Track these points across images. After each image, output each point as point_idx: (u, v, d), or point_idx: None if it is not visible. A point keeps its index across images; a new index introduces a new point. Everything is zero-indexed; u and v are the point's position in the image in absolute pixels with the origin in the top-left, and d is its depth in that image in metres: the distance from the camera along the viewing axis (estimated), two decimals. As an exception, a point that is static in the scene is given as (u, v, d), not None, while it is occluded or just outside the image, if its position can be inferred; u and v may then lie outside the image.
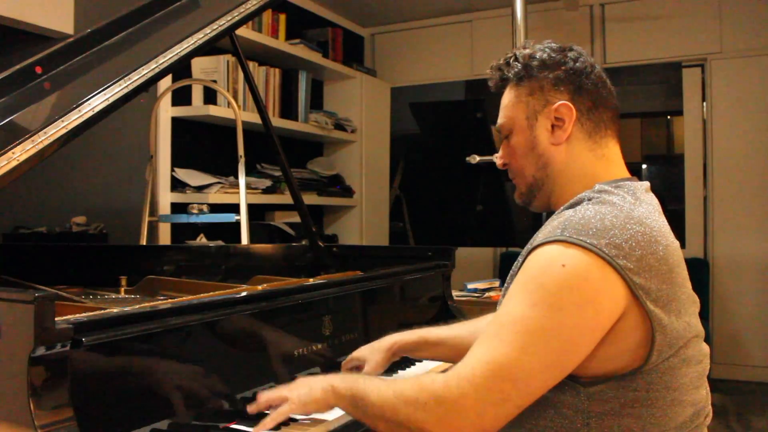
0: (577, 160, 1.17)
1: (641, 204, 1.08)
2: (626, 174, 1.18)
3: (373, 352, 1.41)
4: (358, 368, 1.42)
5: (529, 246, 1.07)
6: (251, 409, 1.16)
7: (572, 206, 1.10)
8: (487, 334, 1.01)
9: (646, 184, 1.17)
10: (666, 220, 1.10)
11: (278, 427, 1.13)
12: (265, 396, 1.16)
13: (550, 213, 1.21)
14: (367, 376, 1.15)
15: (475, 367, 0.97)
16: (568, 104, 1.15)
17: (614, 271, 0.97)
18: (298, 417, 1.17)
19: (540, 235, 1.06)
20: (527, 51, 1.21)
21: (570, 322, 0.96)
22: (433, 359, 1.52)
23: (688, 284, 1.08)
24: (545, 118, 1.17)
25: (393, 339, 1.43)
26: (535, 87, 1.18)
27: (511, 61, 1.22)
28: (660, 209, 1.13)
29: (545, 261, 1.00)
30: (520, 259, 1.09)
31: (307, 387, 1.14)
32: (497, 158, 1.27)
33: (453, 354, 1.39)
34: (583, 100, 1.16)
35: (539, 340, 0.96)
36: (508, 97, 1.23)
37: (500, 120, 1.24)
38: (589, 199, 1.09)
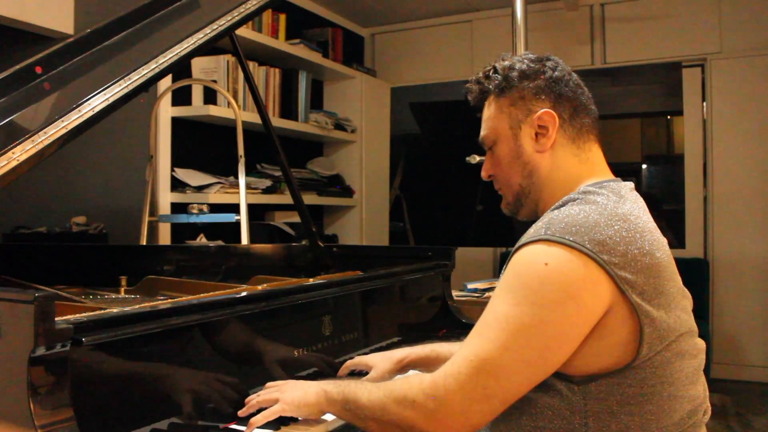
0: (562, 166, 1.18)
1: (625, 202, 1.10)
2: (610, 175, 1.20)
3: (383, 360, 1.41)
4: (360, 373, 1.42)
5: (515, 246, 1.08)
6: (241, 412, 1.15)
7: (558, 208, 1.12)
8: (473, 333, 1.04)
9: (630, 184, 1.19)
10: (652, 218, 1.12)
11: (278, 427, 1.14)
12: (255, 399, 1.16)
13: None
14: (359, 380, 1.16)
15: (461, 365, 1.00)
16: (550, 112, 1.17)
17: (599, 267, 0.98)
18: (298, 417, 1.17)
19: (525, 236, 1.08)
20: (506, 63, 1.23)
21: (552, 319, 0.98)
22: None
23: (678, 278, 1.10)
24: (529, 127, 1.19)
25: (406, 351, 1.43)
26: (517, 97, 1.20)
27: (491, 73, 1.24)
28: (645, 207, 1.14)
29: (528, 260, 1.03)
30: (508, 259, 1.10)
31: (302, 390, 1.15)
32: (482, 170, 1.28)
33: None
34: (564, 107, 1.18)
35: (521, 337, 0.98)
36: (489, 109, 1.24)
37: (483, 132, 1.26)
38: (574, 200, 1.11)
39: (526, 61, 1.21)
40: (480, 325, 1.04)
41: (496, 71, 1.23)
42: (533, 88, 1.19)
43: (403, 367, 1.41)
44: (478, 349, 1.00)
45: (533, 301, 0.99)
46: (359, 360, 1.43)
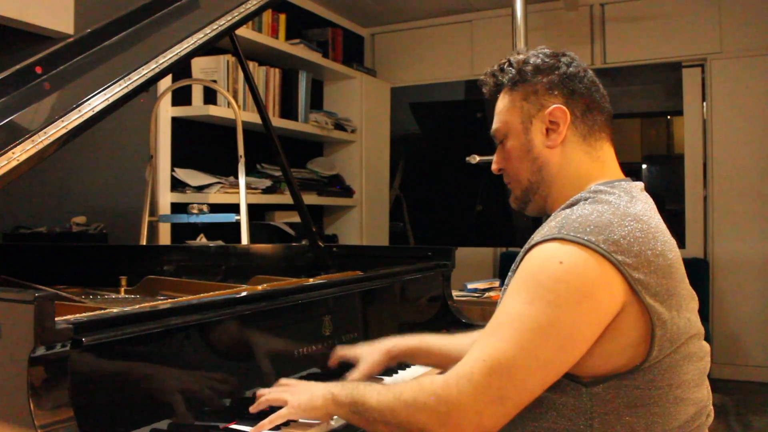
0: (572, 163, 1.18)
1: (637, 202, 1.09)
2: (621, 175, 1.20)
3: (371, 352, 1.40)
4: (349, 365, 1.41)
5: (527, 245, 1.08)
6: (252, 408, 1.16)
7: (569, 206, 1.11)
8: (485, 333, 1.02)
9: (641, 184, 1.18)
10: (661, 219, 1.11)
11: (278, 427, 1.14)
12: (266, 396, 1.17)
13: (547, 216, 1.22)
14: (367, 383, 1.15)
15: (474, 366, 0.98)
16: (562, 108, 1.17)
17: (613, 267, 0.98)
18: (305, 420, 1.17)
19: (538, 235, 1.07)
20: (521, 56, 1.22)
21: (567, 319, 0.97)
22: (432, 366, 1.50)
23: (686, 280, 1.09)
24: (540, 122, 1.18)
25: (394, 342, 1.42)
26: (530, 91, 1.19)
27: (505, 66, 1.23)
28: (655, 208, 1.14)
29: (542, 258, 1.01)
30: (518, 258, 1.10)
31: (309, 393, 1.14)
32: (492, 163, 1.28)
33: (454, 363, 1.39)
34: (577, 103, 1.18)
35: (537, 338, 0.97)
36: (502, 102, 1.24)
37: (495, 125, 1.25)
38: (586, 199, 1.10)
39: (541, 55, 1.21)
40: (493, 324, 1.02)
41: (510, 64, 1.23)
42: (547, 83, 1.18)
43: (392, 358, 1.40)
44: (492, 349, 0.98)
45: (548, 300, 0.97)
46: (346, 353, 1.41)
